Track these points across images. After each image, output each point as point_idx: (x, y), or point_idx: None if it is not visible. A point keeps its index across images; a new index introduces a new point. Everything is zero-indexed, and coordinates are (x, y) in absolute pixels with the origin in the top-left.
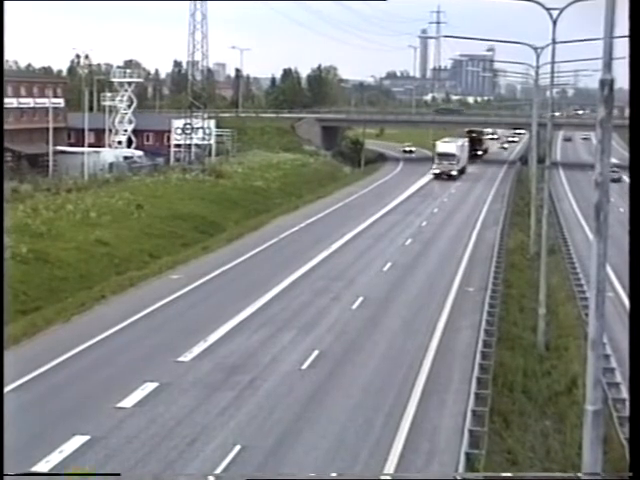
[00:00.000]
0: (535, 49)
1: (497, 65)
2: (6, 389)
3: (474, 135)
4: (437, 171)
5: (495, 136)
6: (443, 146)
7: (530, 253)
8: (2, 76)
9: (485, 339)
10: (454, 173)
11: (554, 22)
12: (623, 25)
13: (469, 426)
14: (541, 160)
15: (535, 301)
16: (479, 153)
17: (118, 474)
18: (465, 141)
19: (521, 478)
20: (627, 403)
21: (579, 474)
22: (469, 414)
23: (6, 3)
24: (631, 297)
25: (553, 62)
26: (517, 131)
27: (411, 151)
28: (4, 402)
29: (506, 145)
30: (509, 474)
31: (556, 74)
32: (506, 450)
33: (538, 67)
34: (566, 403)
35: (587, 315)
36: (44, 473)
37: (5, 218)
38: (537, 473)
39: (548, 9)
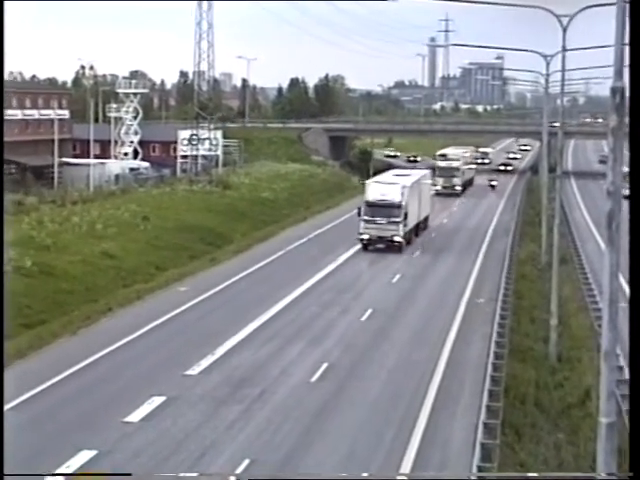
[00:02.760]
0: (545, 57)
1: (507, 73)
2: (13, 403)
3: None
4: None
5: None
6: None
7: (541, 263)
8: (2, 79)
9: (496, 351)
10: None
11: (564, 29)
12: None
13: (481, 439)
14: (552, 169)
15: (547, 312)
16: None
17: (129, 474)
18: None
19: (535, 479)
20: None
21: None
22: (481, 427)
23: (6, 4)
24: (631, 296)
25: (563, 70)
26: (522, 146)
27: (415, 160)
28: (4, 400)
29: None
30: (523, 474)
31: (566, 82)
32: (518, 463)
33: (548, 75)
34: (579, 415)
35: (600, 326)
36: (44, 473)
37: (7, 229)
38: (551, 473)
39: (558, 16)
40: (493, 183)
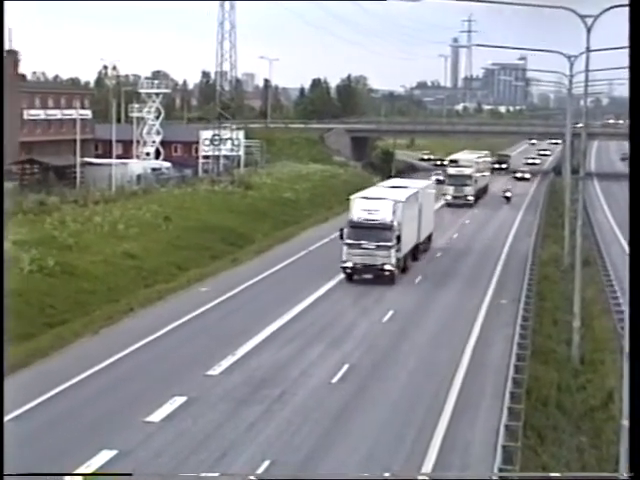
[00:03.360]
0: (568, 57)
1: (530, 74)
2: (35, 402)
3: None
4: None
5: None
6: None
7: (564, 265)
8: (2, 79)
9: (518, 352)
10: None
11: (588, 30)
12: None
13: (502, 442)
14: (575, 170)
15: (569, 314)
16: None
17: (130, 474)
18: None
19: (556, 478)
20: None
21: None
22: (502, 429)
23: (7, 3)
24: (631, 296)
25: (587, 70)
26: (541, 151)
27: (429, 159)
28: (4, 400)
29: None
30: (544, 474)
31: (590, 83)
32: (540, 466)
33: (572, 76)
34: (602, 418)
35: (623, 328)
36: (44, 473)
37: (29, 229)
38: (573, 473)
39: (582, 16)
40: (507, 194)
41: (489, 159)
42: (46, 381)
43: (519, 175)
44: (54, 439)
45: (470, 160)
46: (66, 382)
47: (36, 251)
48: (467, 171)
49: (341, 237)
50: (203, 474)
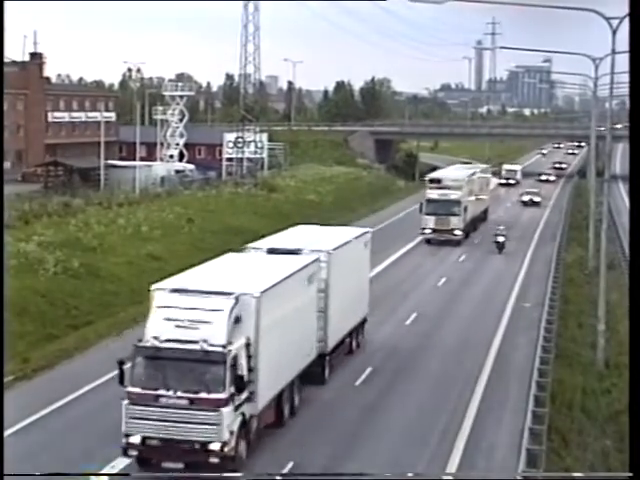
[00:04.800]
0: (593, 60)
1: (554, 76)
2: (57, 404)
3: None
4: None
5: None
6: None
7: (588, 268)
8: (2, 78)
9: (542, 356)
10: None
11: (614, 32)
12: None
13: (526, 444)
14: (600, 173)
15: (594, 317)
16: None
17: (127, 474)
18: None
19: (579, 479)
20: None
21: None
22: (526, 432)
23: (7, 3)
24: (631, 297)
25: (612, 73)
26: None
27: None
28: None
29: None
30: (567, 474)
31: (615, 85)
32: (564, 469)
33: (597, 78)
34: (627, 422)
35: None
36: (44, 473)
37: (54, 230)
38: (573, 473)
39: (608, 18)
40: (499, 239)
41: (489, 175)
42: (68, 383)
43: (526, 199)
44: (77, 442)
45: (458, 179)
46: (90, 383)
47: (61, 253)
48: (454, 195)
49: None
50: (228, 474)
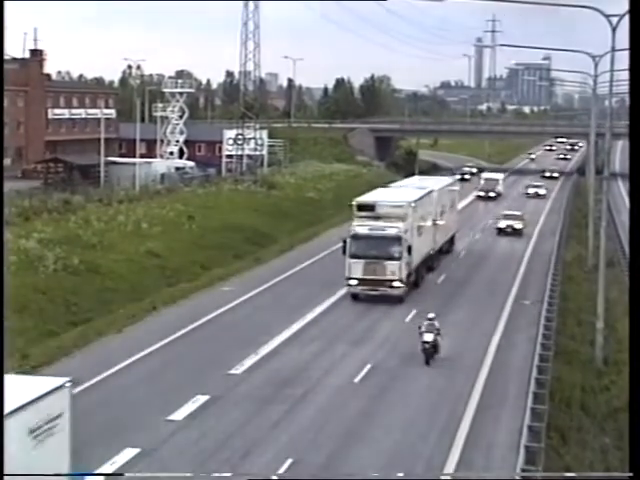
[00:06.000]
0: (593, 57)
1: (554, 74)
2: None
3: None
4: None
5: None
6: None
7: (588, 266)
8: (2, 78)
9: (542, 353)
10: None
11: (613, 29)
12: None
13: (525, 442)
14: (599, 171)
15: (593, 315)
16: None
17: (121, 474)
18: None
19: (576, 479)
20: None
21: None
22: (525, 430)
23: (7, 3)
24: (631, 295)
25: (612, 70)
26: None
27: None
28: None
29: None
30: (565, 474)
31: (615, 83)
32: (563, 467)
33: (597, 76)
34: (626, 419)
35: None
36: (44, 474)
37: (54, 227)
38: (574, 473)
39: (607, 16)
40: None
41: (456, 187)
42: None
43: (504, 226)
44: (76, 439)
45: (401, 203)
46: (89, 381)
47: (60, 250)
48: (392, 228)
49: None
50: (225, 474)
